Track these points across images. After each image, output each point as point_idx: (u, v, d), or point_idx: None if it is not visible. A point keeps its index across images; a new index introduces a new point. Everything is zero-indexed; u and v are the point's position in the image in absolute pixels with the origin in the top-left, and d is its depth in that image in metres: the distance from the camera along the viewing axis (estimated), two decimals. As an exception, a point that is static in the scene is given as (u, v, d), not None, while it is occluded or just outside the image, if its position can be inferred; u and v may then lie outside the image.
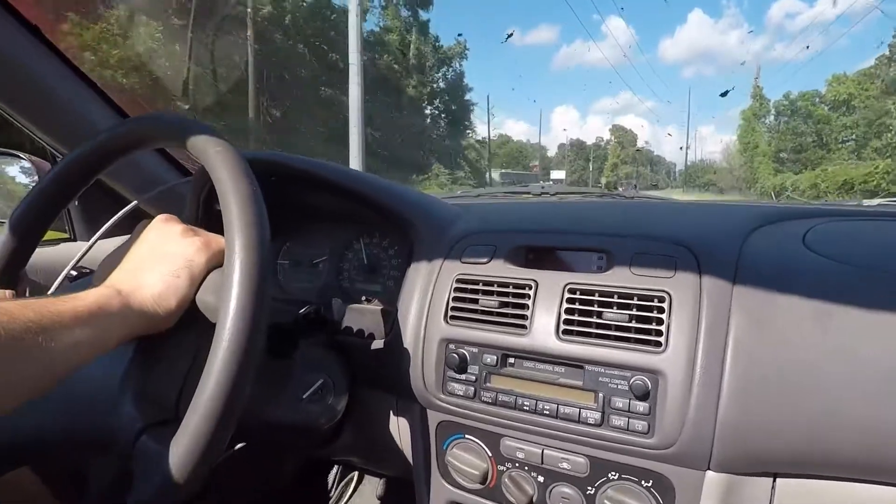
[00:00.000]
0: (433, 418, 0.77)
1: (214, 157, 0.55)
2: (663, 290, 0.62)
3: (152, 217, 1.34)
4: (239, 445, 0.79)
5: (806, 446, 0.55)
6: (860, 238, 0.74)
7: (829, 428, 0.54)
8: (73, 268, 1.04)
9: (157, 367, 0.57)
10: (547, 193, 1.24)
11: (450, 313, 0.73)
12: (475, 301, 0.72)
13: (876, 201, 1.00)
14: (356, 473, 1.46)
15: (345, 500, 1.45)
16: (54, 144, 1.03)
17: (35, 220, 0.72)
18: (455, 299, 0.73)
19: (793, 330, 0.57)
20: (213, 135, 0.59)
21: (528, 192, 1.25)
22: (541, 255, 0.73)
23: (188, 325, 0.59)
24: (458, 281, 0.74)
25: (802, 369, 0.55)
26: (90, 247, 1.09)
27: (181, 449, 0.46)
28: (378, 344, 0.80)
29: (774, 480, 0.60)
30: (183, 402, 0.56)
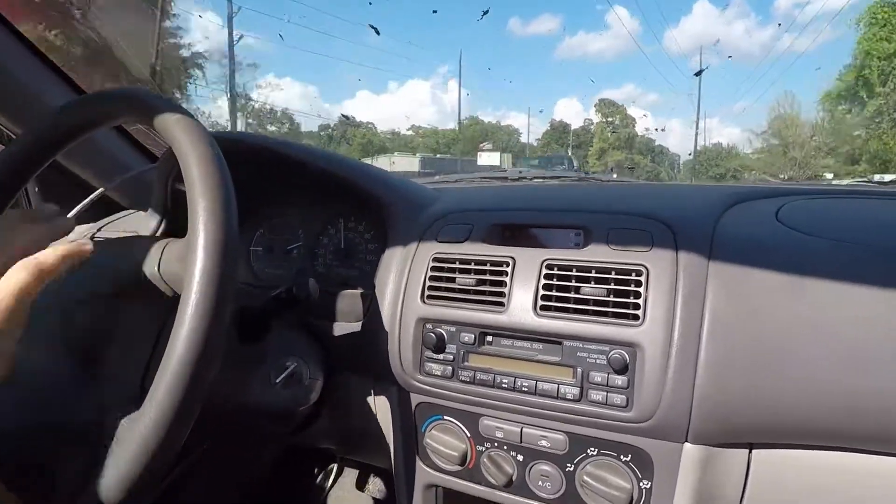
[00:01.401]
0: (411, 400, 0.76)
1: (174, 125, 0.53)
2: (640, 264, 0.62)
3: (118, 204, 1.30)
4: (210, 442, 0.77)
5: (781, 416, 0.56)
6: (831, 213, 0.75)
7: (803, 397, 0.55)
8: (34, 256, 1.00)
9: (121, 345, 0.54)
10: (524, 178, 1.23)
11: (427, 293, 0.72)
12: (452, 280, 0.71)
13: (846, 181, 1.02)
14: (336, 464, 1.45)
15: (325, 490, 1.43)
16: (6, 124, 0.99)
17: None
18: (432, 278, 0.72)
19: (767, 301, 0.57)
20: (174, 106, 0.56)
21: (506, 177, 1.25)
22: (518, 233, 0.72)
23: (152, 300, 0.57)
24: (435, 260, 0.73)
25: (777, 340, 0.56)
26: (52, 234, 1.05)
27: (149, 420, 0.43)
28: (354, 326, 0.78)
29: (750, 451, 0.60)
30: (149, 379, 0.54)
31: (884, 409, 0.52)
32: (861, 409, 0.53)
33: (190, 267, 0.45)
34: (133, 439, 0.44)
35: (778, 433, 0.58)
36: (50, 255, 0.43)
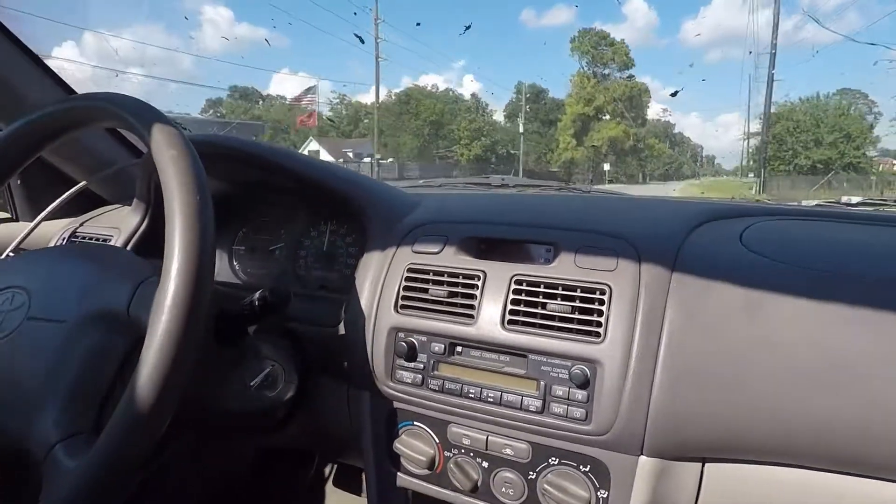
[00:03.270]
0: (382, 406, 0.78)
1: (159, 140, 0.54)
2: (604, 283, 0.64)
3: (102, 198, 1.30)
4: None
5: (732, 433, 0.58)
6: (794, 237, 0.77)
7: (753, 416, 0.57)
8: (14, 250, 1.00)
9: (79, 374, 0.54)
10: (506, 185, 1.25)
11: (400, 302, 0.74)
12: (425, 290, 0.73)
13: (814, 202, 1.05)
14: (314, 462, 1.46)
15: (304, 488, 1.44)
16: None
17: None
18: (406, 288, 0.74)
19: (722, 323, 0.60)
20: (163, 119, 0.57)
21: (489, 184, 1.27)
22: (491, 247, 0.74)
23: (116, 330, 0.57)
24: (410, 270, 0.74)
25: (729, 360, 0.58)
26: (33, 228, 1.05)
27: (95, 466, 0.44)
28: (329, 332, 0.80)
29: (703, 465, 0.63)
30: (105, 412, 0.54)
31: (830, 430, 0.55)
32: (808, 429, 0.56)
33: (155, 319, 0.46)
34: (81, 479, 0.45)
35: (729, 449, 0.60)
36: None
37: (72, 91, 1.04)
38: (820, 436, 0.56)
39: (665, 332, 0.60)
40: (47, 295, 0.59)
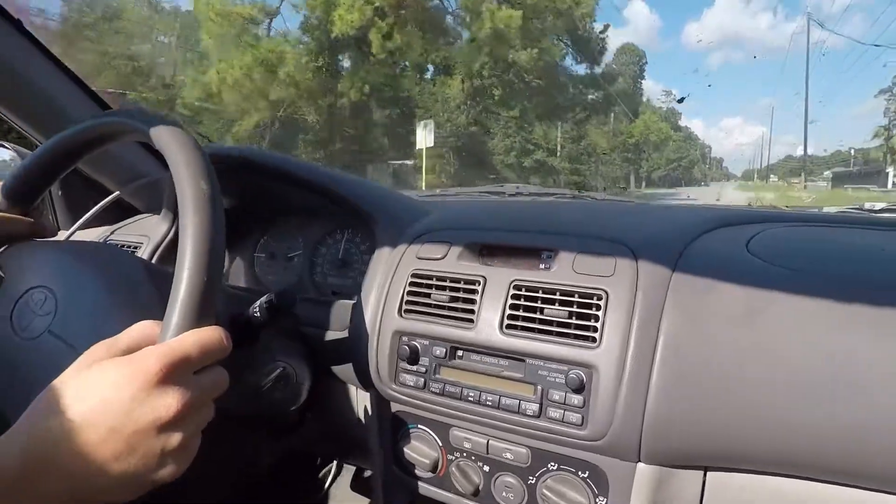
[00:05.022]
0: (387, 408, 0.79)
1: (177, 160, 0.55)
2: (601, 289, 0.64)
3: (134, 208, 1.36)
4: None
5: (728, 441, 0.57)
6: (803, 243, 0.75)
7: (749, 424, 0.56)
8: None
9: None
10: (521, 194, 1.26)
11: (404, 307, 0.76)
12: (428, 295, 0.74)
13: (835, 209, 1.02)
14: (334, 464, 1.49)
15: (323, 490, 1.47)
16: (36, 135, 1.06)
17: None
18: (410, 293, 0.76)
19: (721, 329, 0.59)
20: (178, 131, 0.59)
21: (503, 192, 1.28)
22: (492, 252, 0.75)
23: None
24: (414, 276, 0.76)
25: (727, 366, 0.57)
26: (69, 235, 1.12)
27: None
28: (337, 335, 0.82)
29: (705, 474, 0.62)
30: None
31: (831, 440, 0.53)
32: (809, 438, 0.54)
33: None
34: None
35: (728, 458, 0.59)
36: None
37: (106, 106, 1.11)
38: (821, 446, 0.54)
39: (661, 337, 0.60)
40: (69, 312, 0.60)
